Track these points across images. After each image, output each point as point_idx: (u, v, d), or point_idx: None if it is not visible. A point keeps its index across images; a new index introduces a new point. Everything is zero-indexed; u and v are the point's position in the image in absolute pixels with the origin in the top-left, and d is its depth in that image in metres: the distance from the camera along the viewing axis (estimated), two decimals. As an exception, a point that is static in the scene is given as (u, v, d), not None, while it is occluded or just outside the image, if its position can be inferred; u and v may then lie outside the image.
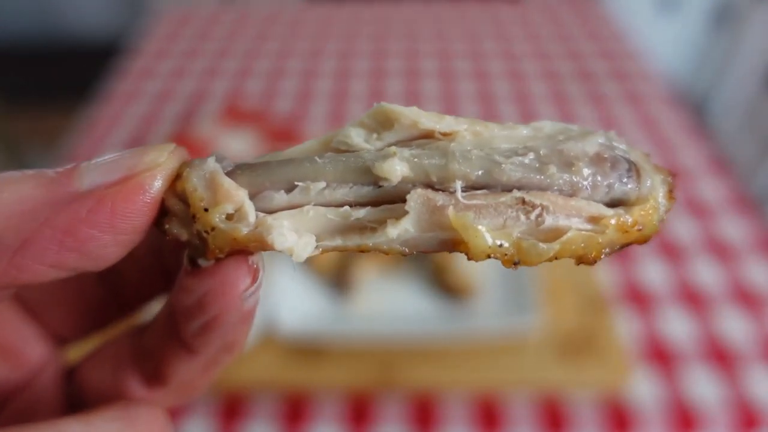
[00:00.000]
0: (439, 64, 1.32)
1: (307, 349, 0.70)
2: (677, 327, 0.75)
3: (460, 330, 0.70)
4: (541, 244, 0.19)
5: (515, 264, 0.19)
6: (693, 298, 0.78)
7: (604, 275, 0.80)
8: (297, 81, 1.26)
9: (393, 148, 0.19)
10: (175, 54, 1.37)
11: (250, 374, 0.69)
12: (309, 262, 0.77)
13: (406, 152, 0.19)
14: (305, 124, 1.12)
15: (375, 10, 1.54)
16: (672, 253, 0.85)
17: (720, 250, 0.85)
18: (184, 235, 0.19)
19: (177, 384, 0.23)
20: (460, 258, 0.76)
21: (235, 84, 1.25)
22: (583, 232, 0.19)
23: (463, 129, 0.20)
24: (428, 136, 0.20)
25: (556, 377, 0.68)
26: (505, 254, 0.19)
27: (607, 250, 0.20)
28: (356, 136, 0.20)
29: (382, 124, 0.20)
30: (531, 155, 0.19)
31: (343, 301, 0.74)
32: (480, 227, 0.19)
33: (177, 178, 0.19)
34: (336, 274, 0.77)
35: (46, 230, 0.17)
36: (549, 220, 0.19)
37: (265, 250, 0.19)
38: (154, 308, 0.25)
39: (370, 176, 0.19)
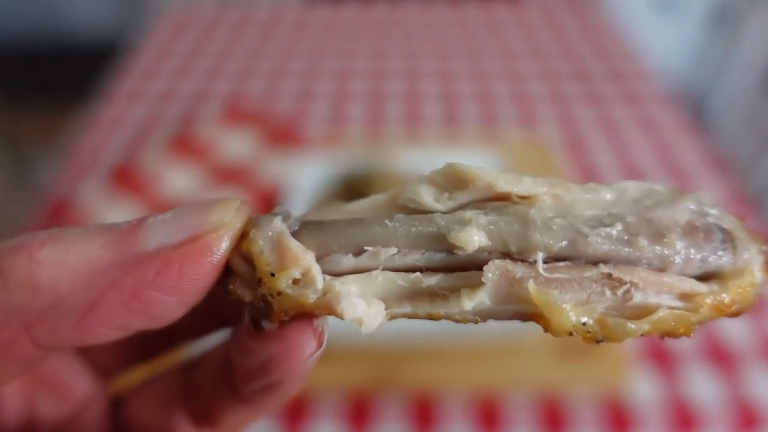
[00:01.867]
0: (439, 65, 1.32)
1: (308, 349, 0.70)
2: (676, 327, 0.75)
3: (460, 330, 0.70)
4: (629, 324, 0.17)
5: (598, 342, 0.17)
6: (692, 298, 0.79)
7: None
8: (298, 82, 1.26)
9: (468, 214, 0.18)
10: (176, 54, 1.37)
11: (251, 374, 0.69)
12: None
13: (482, 219, 0.18)
14: (306, 124, 1.13)
15: (375, 11, 1.54)
16: (671, 253, 0.85)
17: (719, 251, 0.85)
18: (247, 297, 0.18)
19: (226, 427, 0.23)
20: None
21: (237, 84, 1.26)
22: (675, 311, 0.18)
23: (542, 192, 0.19)
24: (504, 198, 0.19)
25: (556, 377, 0.68)
26: (588, 332, 0.17)
27: (698, 326, 0.18)
28: (426, 195, 0.19)
29: (454, 184, 0.19)
30: (618, 226, 0.18)
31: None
32: (564, 305, 0.17)
33: (242, 237, 0.18)
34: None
35: (113, 293, 0.17)
36: (638, 297, 0.18)
37: (332, 315, 0.19)
38: (201, 343, 0.25)
39: (444, 243, 0.18)
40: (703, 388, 0.69)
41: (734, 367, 0.71)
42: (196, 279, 0.17)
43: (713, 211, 0.19)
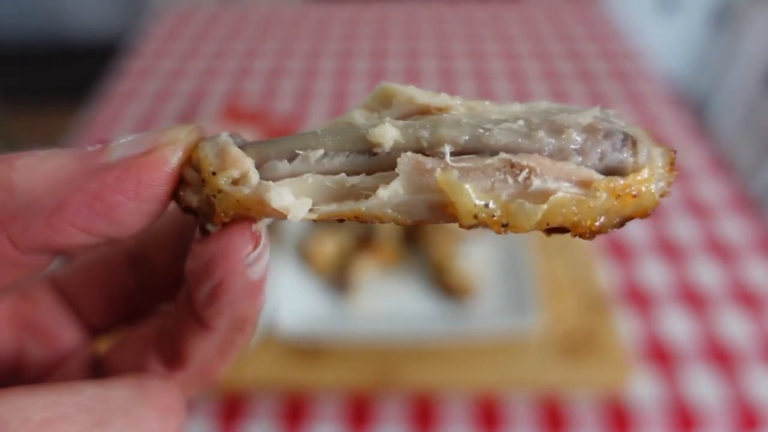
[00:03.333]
0: (439, 63, 1.32)
1: (307, 349, 0.70)
2: (677, 327, 0.75)
3: (461, 330, 0.70)
4: (528, 204, 0.19)
5: (504, 227, 0.19)
6: (693, 298, 0.78)
7: (605, 275, 0.80)
8: (297, 80, 1.26)
9: (387, 119, 0.20)
10: (174, 54, 1.37)
11: (250, 374, 0.69)
12: (309, 259, 0.77)
13: (399, 123, 0.20)
14: (305, 123, 1.12)
15: (375, 9, 1.54)
16: (672, 253, 0.85)
17: (720, 251, 0.85)
18: (194, 202, 0.21)
19: (195, 366, 0.24)
20: (460, 258, 0.76)
21: (235, 84, 1.25)
22: (573, 196, 0.19)
23: (457, 104, 0.20)
24: (425, 112, 0.21)
25: (557, 377, 0.68)
26: (493, 215, 0.19)
27: (603, 218, 0.19)
28: (359, 117, 0.21)
29: (383, 103, 0.21)
30: (520, 122, 0.19)
31: (343, 301, 0.74)
32: (466, 186, 0.19)
33: (193, 150, 0.21)
34: (336, 274, 0.77)
35: (78, 195, 0.19)
36: (537, 183, 0.19)
37: (266, 214, 0.20)
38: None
39: (364, 143, 0.20)
40: (704, 388, 0.68)
41: (735, 368, 0.70)
42: (153, 185, 0.20)
43: (619, 120, 0.20)
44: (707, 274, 0.81)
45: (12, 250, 0.20)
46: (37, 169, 0.19)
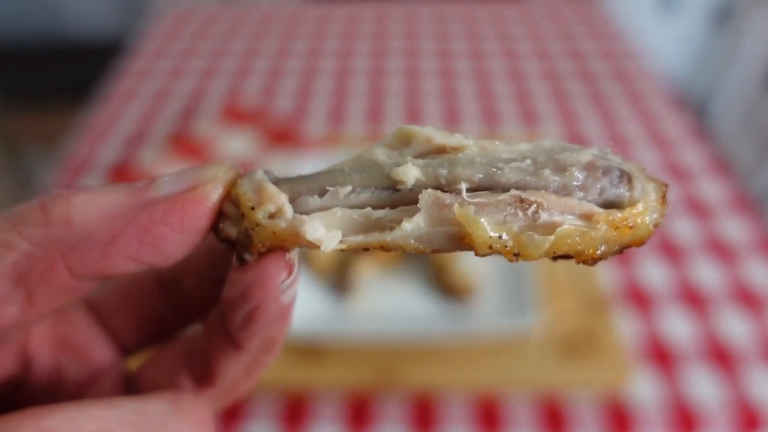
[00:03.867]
0: (439, 62, 1.32)
1: (307, 349, 0.70)
2: (678, 327, 0.75)
3: (461, 330, 0.70)
4: (537, 236, 0.21)
5: (515, 256, 0.21)
6: (693, 299, 0.78)
7: (605, 276, 0.80)
8: (296, 80, 1.26)
9: (408, 159, 0.22)
10: (173, 53, 1.37)
11: (250, 374, 0.69)
12: (309, 260, 0.76)
13: (419, 161, 0.22)
14: (305, 123, 1.12)
15: (374, 8, 1.53)
16: (672, 253, 0.85)
17: (720, 251, 0.85)
18: (233, 233, 0.23)
19: (224, 384, 0.26)
20: (460, 258, 0.76)
21: (234, 83, 1.25)
22: (577, 227, 0.21)
23: (470, 144, 0.22)
24: (441, 151, 0.23)
25: (557, 377, 0.68)
26: (506, 246, 0.21)
27: (604, 247, 0.22)
28: (381, 155, 0.23)
29: (402, 142, 0.23)
30: (528, 161, 0.22)
31: (343, 301, 0.74)
32: (481, 219, 0.21)
33: (231, 187, 0.23)
34: (336, 274, 0.77)
35: (129, 228, 0.21)
36: (544, 216, 0.21)
37: (300, 245, 0.22)
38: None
39: (389, 181, 0.22)
40: (704, 388, 0.68)
41: (735, 368, 0.70)
42: (196, 218, 0.22)
43: (615, 158, 0.22)
44: (707, 275, 0.81)
45: (69, 278, 0.22)
46: (93, 204, 0.21)
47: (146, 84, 1.26)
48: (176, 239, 0.22)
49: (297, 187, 0.23)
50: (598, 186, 0.22)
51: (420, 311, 0.73)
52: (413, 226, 0.21)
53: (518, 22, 1.46)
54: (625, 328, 0.74)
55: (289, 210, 0.22)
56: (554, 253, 0.21)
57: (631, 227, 0.21)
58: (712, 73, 2.22)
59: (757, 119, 1.91)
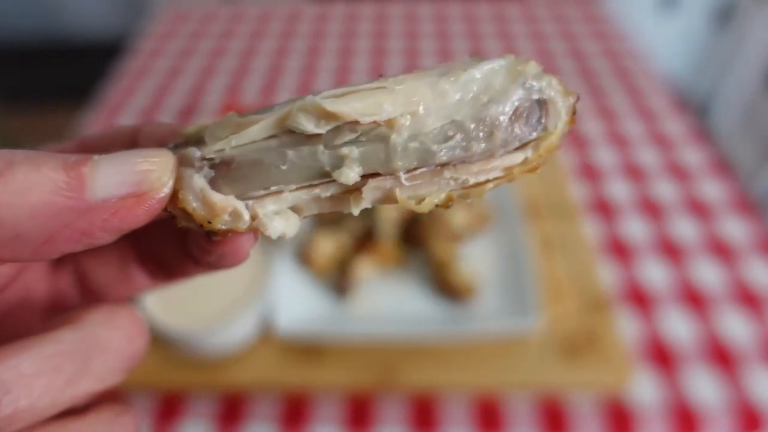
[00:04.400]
0: (440, 61, 1.31)
1: (307, 350, 0.70)
2: (679, 328, 0.75)
3: (461, 331, 0.70)
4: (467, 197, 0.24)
5: (447, 207, 0.24)
6: (694, 299, 0.78)
7: (606, 276, 0.80)
8: (295, 79, 1.26)
9: (345, 150, 0.23)
10: (172, 52, 1.37)
11: (249, 375, 0.68)
12: (308, 260, 0.76)
13: (355, 152, 0.23)
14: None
15: (374, 6, 1.53)
16: (673, 253, 0.85)
17: (721, 251, 0.85)
18: (193, 227, 0.23)
19: (180, 277, 0.29)
20: (460, 258, 0.76)
21: (233, 82, 1.25)
22: (498, 181, 0.24)
23: (399, 114, 0.23)
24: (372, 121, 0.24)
25: (557, 378, 0.68)
26: (438, 205, 0.24)
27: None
28: (307, 123, 0.23)
29: (326, 119, 0.24)
30: (458, 136, 0.23)
31: (343, 301, 0.74)
32: (425, 201, 0.23)
33: (174, 194, 0.22)
34: (336, 274, 0.76)
35: (66, 231, 0.21)
36: (472, 181, 0.24)
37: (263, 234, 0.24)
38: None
39: (329, 176, 0.23)
40: (706, 389, 0.68)
41: (736, 369, 0.70)
42: (136, 224, 0.22)
43: (537, 84, 0.24)
44: (708, 275, 0.81)
45: (4, 266, 0.23)
46: (25, 202, 0.20)
47: (145, 83, 1.26)
48: (115, 237, 0.22)
49: (239, 188, 0.23)
50: (519, 137, 0.23)
51: (420, 311, 0.73)
52: (361, 207, 0.24)
53: (520, 21, 1.46)
54: (626, 328, 0.74)
55: (243, 210, 0.23)
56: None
57: (542, 162, 0.24)
58: (713, 73, 2.22)
59: (758, 119, 1.91)
